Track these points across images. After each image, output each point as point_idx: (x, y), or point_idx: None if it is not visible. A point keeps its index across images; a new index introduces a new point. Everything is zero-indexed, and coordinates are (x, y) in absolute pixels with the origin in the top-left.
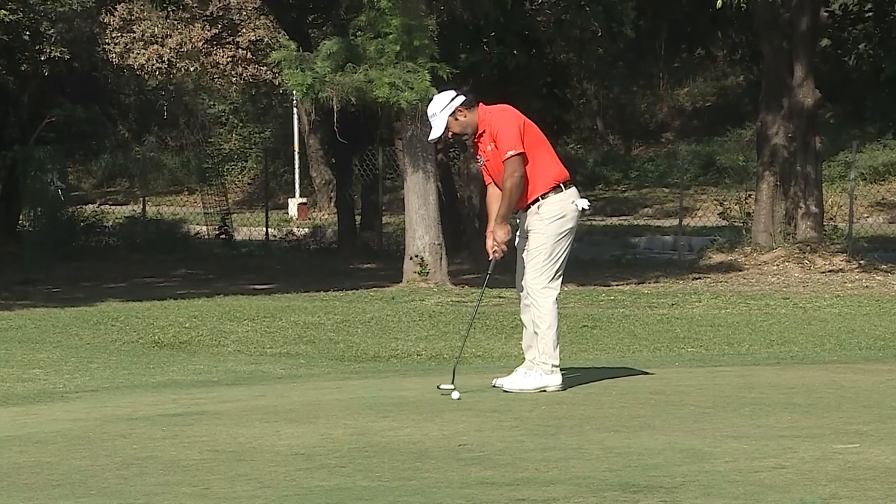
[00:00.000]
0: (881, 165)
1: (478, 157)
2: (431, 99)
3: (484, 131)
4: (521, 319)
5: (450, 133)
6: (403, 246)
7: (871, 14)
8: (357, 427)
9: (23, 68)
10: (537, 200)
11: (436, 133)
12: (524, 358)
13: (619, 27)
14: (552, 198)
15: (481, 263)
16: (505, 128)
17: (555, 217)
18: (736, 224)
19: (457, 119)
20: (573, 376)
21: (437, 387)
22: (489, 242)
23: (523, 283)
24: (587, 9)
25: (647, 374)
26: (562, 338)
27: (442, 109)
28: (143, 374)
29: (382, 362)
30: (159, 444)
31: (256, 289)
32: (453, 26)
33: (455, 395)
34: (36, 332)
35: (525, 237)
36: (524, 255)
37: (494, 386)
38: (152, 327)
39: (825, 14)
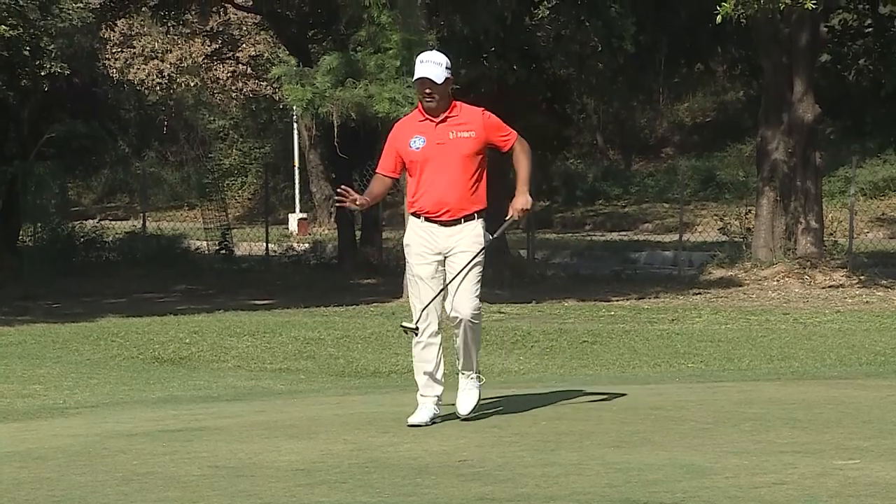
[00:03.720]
0: (881, 181)
1: (416, 137)
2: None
3: (451, 117)
4: (428, 348)
5: (432, 93)
6: (403, 261)
7: (870, 30)
8: (357, 443)
9: (23, 84)
10: (477, 216)
11: (435, 75)
12: (448, 380)
13: (618, 42)
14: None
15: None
16: (498, 120)
17: (485, 237)
18: (736, 239)
19: (445, 84)
20: (573, 391)
21: (401, 325)
22: (521, 202)
23: (454, 305)
24: (587, 24)
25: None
26: (562, 353)
27: (445, 66)
28: (143, 389)
29: (383, 378)
30: (159, 460)
31: (256, 304)
32: (453, 41)
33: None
34: (36, 347)
35: (452, 256)
36: (454, 271)
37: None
38: (152, 343)
39: (825, 29)
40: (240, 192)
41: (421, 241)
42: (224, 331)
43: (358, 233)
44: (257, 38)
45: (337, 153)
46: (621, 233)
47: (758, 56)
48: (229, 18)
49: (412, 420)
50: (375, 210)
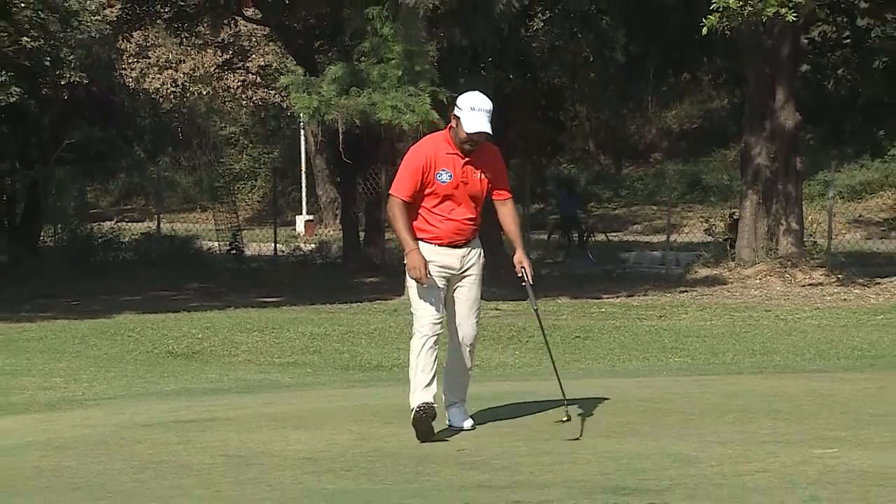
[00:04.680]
0: (858, 184)
1: (443, 171)
2: (473, 92)
3: (476, 155)
4: (435, 363)
5: (478, 142)
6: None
7: (848, 41)
8: (361, 433)
9: (43, 92)
10: (477, 240)
11: (488, 128)
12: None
13: (609, 53)
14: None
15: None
16: (504, 167)
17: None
18: (721, 240)
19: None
20: (565, 385)
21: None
22: (527, 266)
23: (464, 330)
24: (580, 35)
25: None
26: (556, 348)
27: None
28: (158, 382)
29: (385, 371)
30: (173, 449)
31: (265, 301)
32: (452, 52)
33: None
34: (56, 342)
35: (459, 277)
36: (464, 300)
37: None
38: (166, 338)
39: (805, 41)
40: (249, 195)
41: (434, 259)
42: (234, 327)
43: (362, 234)
44: (266, 49)
45: (342, 158)
46: (612, 234)
47: (742, 66)
48: (240, 30)
49: (415, 402)
50: (378, 212)
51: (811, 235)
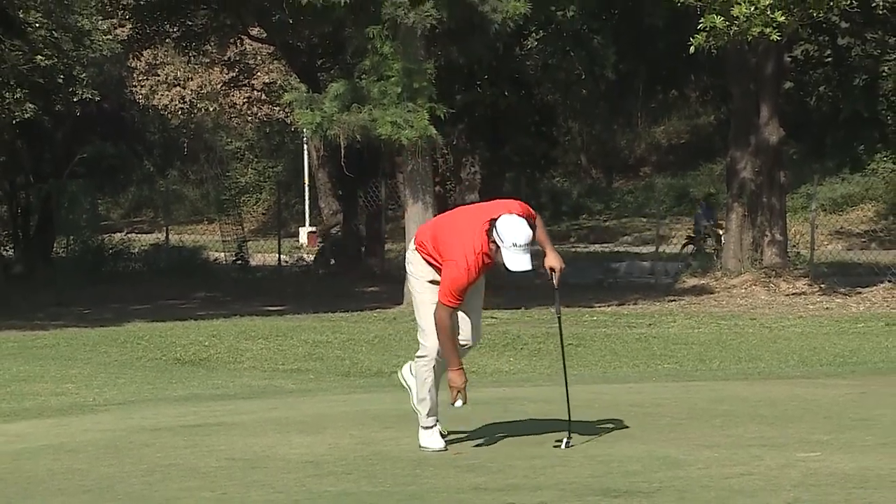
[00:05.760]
0: (839, 197)
1: (473, 270)
2: (512, 222)
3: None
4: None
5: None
6: (404, 271)
7: (830, 60)
8: (362, 437)
9: (57, 109)
10: None
11: (529, 265)
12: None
13: (601, 70)
14: None
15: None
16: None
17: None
18: (707, 251)
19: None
20: (559, 388)
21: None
22: (557, 270)
23: (469, 336)
24: (572, 53)
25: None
26: (549, 355)
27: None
28: (166, 388)
29: (385, 378)
30: (180, 453)
31: (269, 310)
32: (450, 69)
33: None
34: (68, 349)
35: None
36: (469, 309)
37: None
38: (174, 345)
39: (789, 59)
40: (255, 207)
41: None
42: (240, 334)
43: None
44: (271, 67)
45: (343, 172)
46: (603, 245)
47: (728, 83)
48: (245, 49)
49: (435, 446)
50: (378, 224)
51: (794, 246)
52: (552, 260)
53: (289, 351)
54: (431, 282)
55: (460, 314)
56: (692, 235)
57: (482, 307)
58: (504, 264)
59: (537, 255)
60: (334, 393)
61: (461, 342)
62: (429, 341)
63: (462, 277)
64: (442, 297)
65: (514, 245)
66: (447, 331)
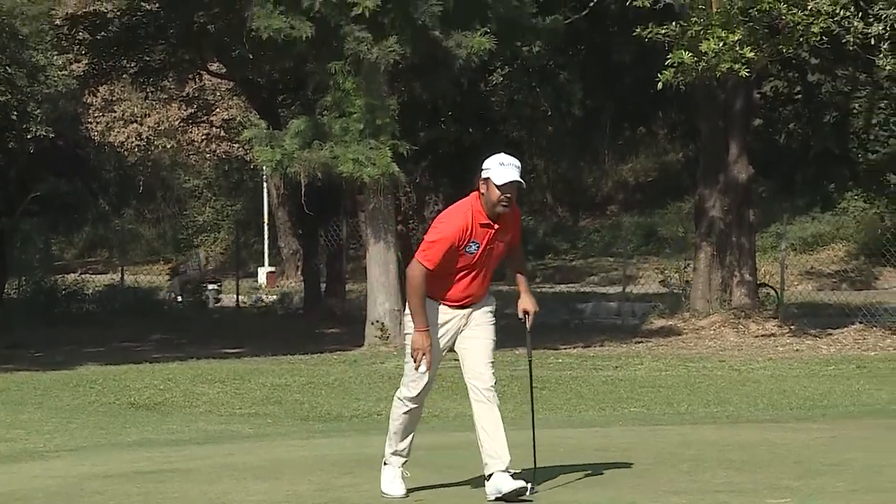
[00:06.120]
0: (810, 237)
1: (472, 242)
2: (496, 154)
3: (504, 222)
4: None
5: (512, 199)
6: (365, 312)
7: (800, 96)
8: (321, 483)
9: (10, 146)
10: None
11: (519, 177)
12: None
13: (567, 106)
14: None
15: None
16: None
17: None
18: (676, 291)
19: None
20: (524, 433)
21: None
22: (531, 312)
23: (476, 378)
24: (538, 89)
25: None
26: (514, 398)
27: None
28: (120, 433)
29: (345, 422)
30: (133, 500)
31: (227, 352)
32: (413, 105)
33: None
34: (18, 394)
35: (467, 327)
36: (475, 349)
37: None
38: (128, 389)
39: (758, 96)
40: (212, 246)
41: (440, 319)
42: (196, 378)
43: (323, 285)
44: (230, 103)
45: (304, 210)
46: (569, 285)
47: (696, 120)
48: (204, 85)
49: (394, 492)
50: (339, 263)
51: (764, 286)
52: (527, 302)
53: (246, 394)
54: (435, 325)
55: (467, 358)
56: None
57: (492, 344)
58: (496, 199)
59: (510, 297)
60: (293, 438)
61: (477, 386)
62: (411, 391)
63: (439, 237)
64: (418, 253)
65: (502, 164)
66: (417, 289)
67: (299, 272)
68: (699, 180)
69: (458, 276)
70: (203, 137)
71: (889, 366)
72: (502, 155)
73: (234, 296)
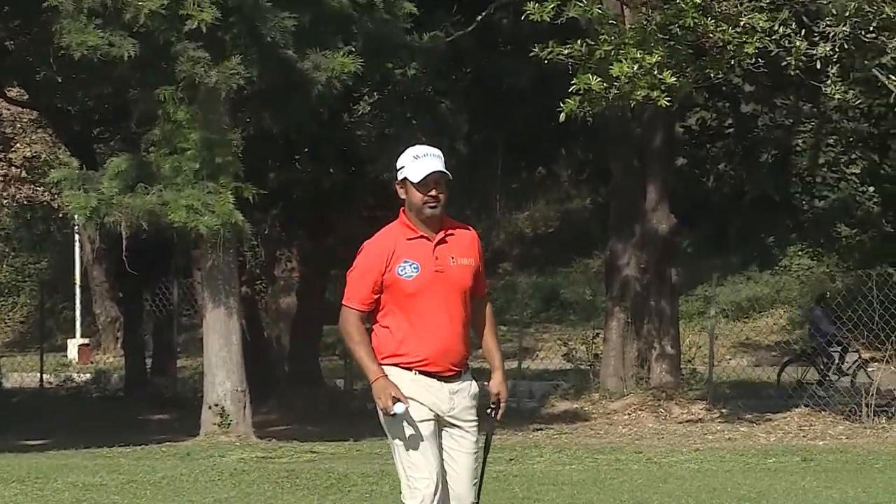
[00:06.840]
0: (744, 301)
1: (405, 262)
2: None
3: (449, 235)
4: None
5: (438, 195)
6: (201, 393)
7: (731, 130)
8: None
9: None
10: (469, 368)
11: (442, 167)
12: None
13: (450, 142)
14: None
15: (292, 412)
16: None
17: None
18: (582, 367)
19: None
20: None
21: None
22: (503, 398)
23: (455, 499)
24: (414, 121)
25: None
26: (384, 498)
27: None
28: None
29: None
30: None
31: (28, 445)
32: (262, 141)
33: None
34: None
35: (449, 424)
36: (459, 466)
37: None
38: None
39: (681, 130)
40: (10, 314)
41: (413, 395)
42: None
43: (149, 361)
44: (34, 137)
45: (125, 269)
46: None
47: (607, 159)
48: (1, 114)
49: None
50: (169, 334)
51: (689, 362)
52: (499, 384)
53: (51, 497)
54: (416, 409)
55: (449, 469)
56: (806, 350)
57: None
58: (419, 200)
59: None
60: None
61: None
62: (415, 497)
63: (356, 269)
64: (343, 297)
65: (416, 157)
66: (354, 336)
67: (119, 345)
68: (610, 232)
69: (415, 316)
70: (0, 179)
71: (840, 458)
72: (416, 147)
73: (38, 374)
